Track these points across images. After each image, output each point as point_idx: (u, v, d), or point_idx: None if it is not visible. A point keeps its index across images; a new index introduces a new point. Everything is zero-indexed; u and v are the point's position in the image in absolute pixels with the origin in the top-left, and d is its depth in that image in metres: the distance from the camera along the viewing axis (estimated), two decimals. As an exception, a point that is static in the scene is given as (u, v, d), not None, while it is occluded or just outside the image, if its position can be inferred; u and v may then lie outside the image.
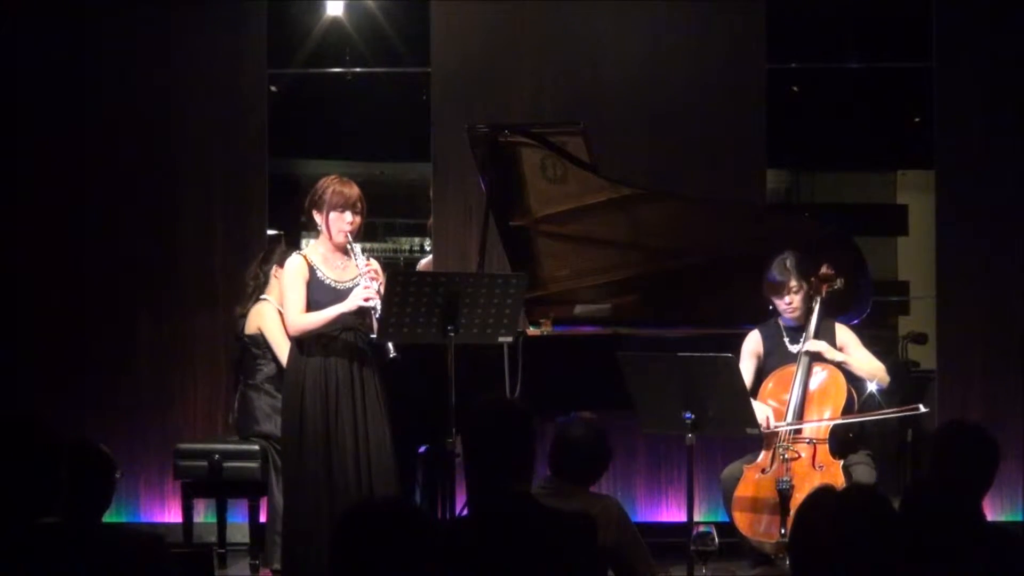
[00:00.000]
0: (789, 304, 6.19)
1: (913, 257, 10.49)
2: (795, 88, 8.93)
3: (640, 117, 7.98)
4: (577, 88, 7.98)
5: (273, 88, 8.29)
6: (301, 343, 6.09)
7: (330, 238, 6.10)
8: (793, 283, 6.17)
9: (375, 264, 6.09)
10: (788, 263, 6.18)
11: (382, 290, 5.90)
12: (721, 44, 8.00)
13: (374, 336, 6.01)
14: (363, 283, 5.97)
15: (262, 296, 7.09)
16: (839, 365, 6.10)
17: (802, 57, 8.46)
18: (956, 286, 7.95)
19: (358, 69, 8.70)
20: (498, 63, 8.03)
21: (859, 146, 9.99)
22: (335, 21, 8.51)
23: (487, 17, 8.06)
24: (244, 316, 7.10)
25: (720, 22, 8.01)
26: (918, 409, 5.96)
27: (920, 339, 8.78)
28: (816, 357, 6.12)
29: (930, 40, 8.01)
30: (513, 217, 6.77)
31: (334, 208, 6.09)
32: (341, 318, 6.00)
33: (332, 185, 6.12)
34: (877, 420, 6.03)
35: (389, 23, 8.46)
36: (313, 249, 6.18)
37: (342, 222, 6.08)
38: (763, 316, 6.38)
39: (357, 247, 6.10)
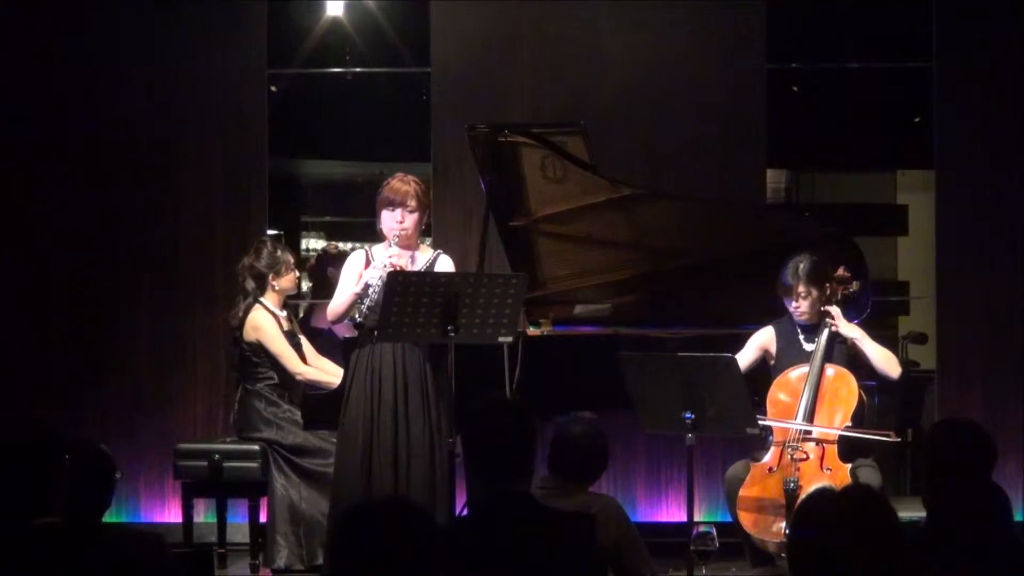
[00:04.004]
0: (796, 308, 6.16)
1: (913, 257, 10.48)
2: (795, 88, 8.93)
3: (640, 117, 7.98)
4: (577, 88, 7.98)
5: (273, 88, 8.29)
6: (358, 337, 6.10)
7: (384, 236, 6.10)
8: (801, 288, 6.13)
9: (396, 252, 6.02)
10: (801, 268, 6.12)
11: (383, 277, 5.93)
12: (721, 44, 8.00)
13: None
14: (373, 266, 6.00)
15: (260, 299, 7.04)
16: (853, 360, 6.08)
17: (802, 57, 8.46)
18: (956, 286, 7.95)
19: (358, 69, 8.71)
20: (498, 63, 8.03)
21: (859, 146, 9.98)
22: (335, 21, 8.51)
23: (487, 17, 8.06)
24: (240, 327, 7.03)
25: (720, 22, 8.01)
26: (890, 436, 5.93)
27: (920, 339, 8.78)
28: (834, 340, 6.10)
29: (930, 40, 8.01)
30: (513, 217, 6.76)
31: (384, 206, 6.08)
32: (356, 299, 6.05)
33: (388, 183, 6.12)
34: (860, 433, 5.98)
35: (389, 23, 8.46)
36: (380, 246, 6.18)
37: (392, 220, 6.07)
38: (763, 315, 6.37)
39: (390, 244, 6.06)
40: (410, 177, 6.17)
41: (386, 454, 5.98)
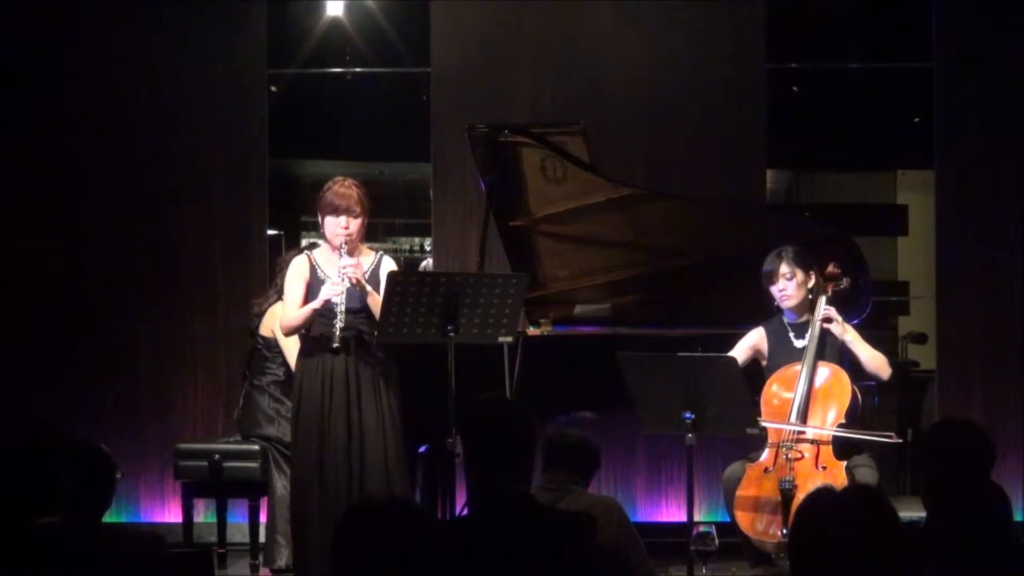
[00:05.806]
0: (782, 291, 6.15)
1: (913, 257, 10.49)
2: (795, 88, 8.93)
3: (640, 117, 7.98)
4: (577, 88, 7.98)
5: (273, 88, 8.29)
6: (306, 344, 6.10)
7: (329, 242, 6.09)
8: (784, 269, 6.13)
9: (350, 262, 5.96)
10: (782, 253, 6.14)
11: (352, 285, 5.91)
12: (721, 44, 8.00)
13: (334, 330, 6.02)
14: (331, 281, 5.98)
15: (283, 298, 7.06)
16: (842, 360, 6.08)
17: (802, 57, 8.47)
18: (956, 286, 7.95)
19: (358, 69, 8.71)
20: (498, 63, 8.03)
21: (859, 146, 9.99)
22: (335, 21, 8.51)
23: (487, 17, 8.06)
24: (260, 315, 7.06)
25: (720, 22, 8.01)
26: (892, 437, 5.95)
27: (920, 339, 8.79)
28: (825, 336, 6.10)
29: (930, 40, 8.01)
30: (513, 217, 6.76)
31: (328, 212, 6.06)
32: (314, 315, 6.00)
33: (330, 188, 6.09)
34: (860, 434, 5.97)
35: (389, 23, 8.46)
36: (321, 250, 6.17)
37: (336, 226, 6.04)
38: (763, 316, 6.36)
39: (340, 254, 6.02)
40: (351, 181, 6.14)
41: (339, 455, 5.95)
